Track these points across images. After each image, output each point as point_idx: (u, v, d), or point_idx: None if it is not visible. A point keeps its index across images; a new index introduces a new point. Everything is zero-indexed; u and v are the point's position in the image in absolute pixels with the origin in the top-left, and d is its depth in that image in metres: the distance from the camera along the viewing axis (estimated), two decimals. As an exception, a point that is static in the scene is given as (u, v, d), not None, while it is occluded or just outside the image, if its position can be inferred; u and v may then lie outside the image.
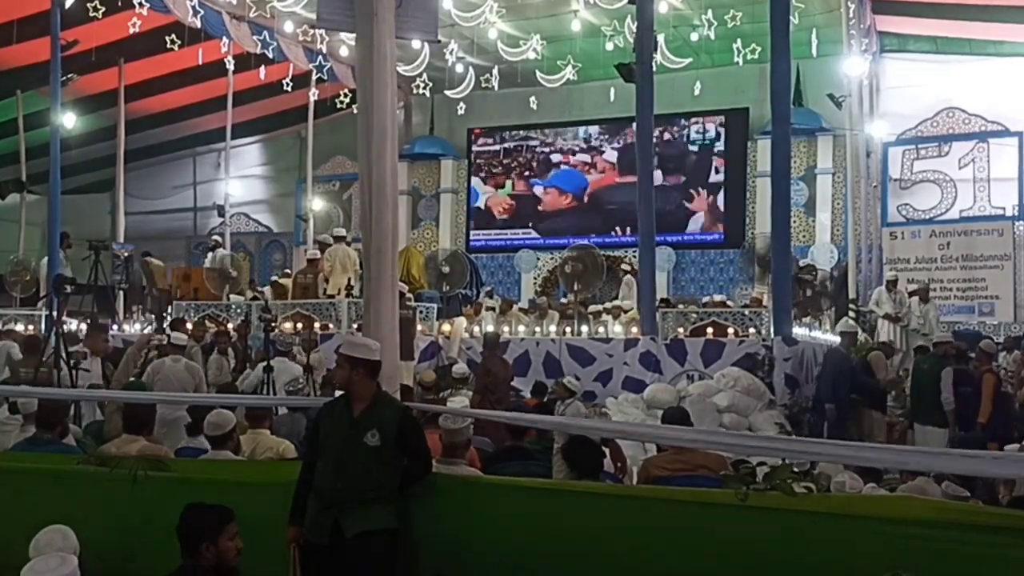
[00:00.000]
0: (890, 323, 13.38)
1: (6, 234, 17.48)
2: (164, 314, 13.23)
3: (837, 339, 12.95)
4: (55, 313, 7.99)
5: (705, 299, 14.74)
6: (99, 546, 3.83)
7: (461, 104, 18.60)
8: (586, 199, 19.59)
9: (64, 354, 7.40)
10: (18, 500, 4.74)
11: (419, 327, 11.91)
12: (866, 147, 16.19)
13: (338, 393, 4.33)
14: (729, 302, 13.86)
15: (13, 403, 6.11)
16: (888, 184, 16.99)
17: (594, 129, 19.69)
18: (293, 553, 4.05)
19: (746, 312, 11.59)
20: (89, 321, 10.07)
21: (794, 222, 14.77)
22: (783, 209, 10.76)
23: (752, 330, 11.06)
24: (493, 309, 14.19)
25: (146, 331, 9.30)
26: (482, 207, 20.32)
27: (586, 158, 19.71)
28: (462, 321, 13.01)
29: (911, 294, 13.97)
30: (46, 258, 14.71)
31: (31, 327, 13.28)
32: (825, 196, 17.84)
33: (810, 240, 17.66)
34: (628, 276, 15.82)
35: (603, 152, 19.57)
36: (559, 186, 19.82)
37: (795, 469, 3.82)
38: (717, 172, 18.62)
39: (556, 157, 19.93)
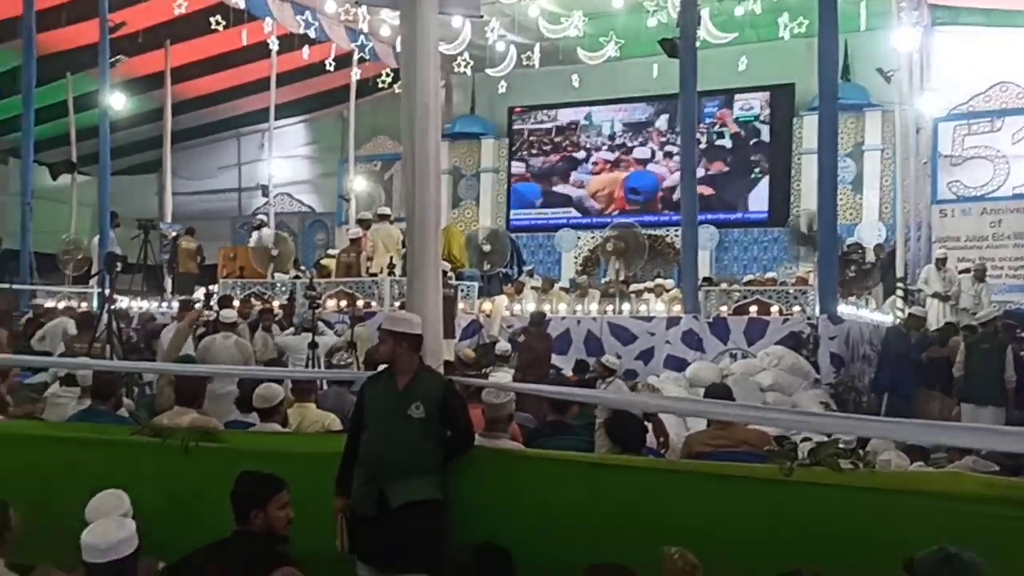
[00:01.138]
0: (939, 302, 13.17)
1: (58, 214, 17.82)
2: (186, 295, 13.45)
3: (885, 318, 12.82)
4: (107, 290, 8.15)
5: (749, 277, 14.60)
6: (152, 514, 3.91)
7: (502, 82, 18.55)
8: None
9: (116, 329, 7.57)
10: (75, 469, 4.87)
11: (460, 306, 11.98)
12: (916, 123, 15.87)
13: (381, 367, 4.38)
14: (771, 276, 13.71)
15: (68, 376, 6.28)
16: (938, 160, 16.62)
17: (619, 127, 19.54)
18: (340, 523, 4.12)
19: (791, 290, 11.47)
20: (180, 300, 10.23)
21: (841, 200, 14.56)
22: (829, 186, 10.63)
23: (797, 308, 10.95)
24: (536, 288, 14.20)
25: (196, 307, 9.45)
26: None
27: (610, 156, 19.61)
28: (503, 300, 13.05)
29: (962, 272, 13.73)
30: (97, 237, 15.02)
31: (84, 304, 13.59)
32: (873, 173, 17.51)
33: (857, 218, 17.38)
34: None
35: (631, 151, 19.43)
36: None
37: (841, 445, 3.79)
38: (762, 149, 18.39)
39: (581, 155, 19.85)
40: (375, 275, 12.42)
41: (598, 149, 19.68)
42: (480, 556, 3.59)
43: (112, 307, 7.74)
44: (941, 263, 13.68)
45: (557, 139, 20.08)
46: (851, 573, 3.39)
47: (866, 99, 17.05)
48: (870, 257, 14.66)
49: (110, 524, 3.09)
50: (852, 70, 16.91)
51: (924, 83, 16.38)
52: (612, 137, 19.64)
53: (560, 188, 19.99)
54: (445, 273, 10.12)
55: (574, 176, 19.88)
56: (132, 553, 3.05)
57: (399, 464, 4.04)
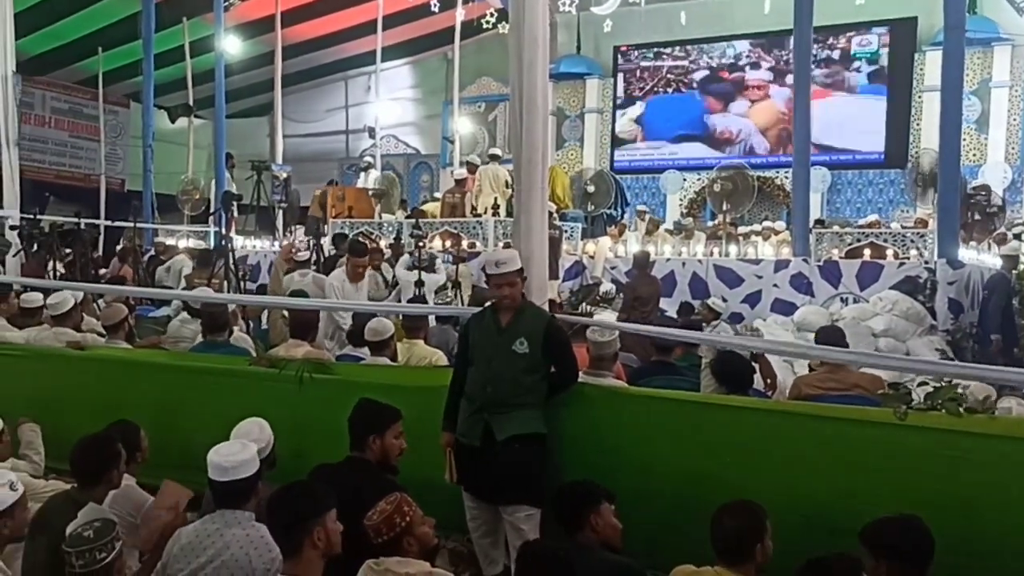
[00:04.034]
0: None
1: (176, 156, 18.47)
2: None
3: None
4: (223, 229, 8.43)
5: (862, 221, 14.10)
6: (269, 440, 4.10)
7: (607, 21, 18.14)
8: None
9: (233, 265, 7.85)
10: (197, 397, 5.14)
11: (564, 247, 11.95)
12: (1050, 57, 14.91)
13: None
14: (893, 223, 13.16)
15: (190, 310, 6.58)
16: (1072, 98, 15.63)
17: (744, 46, 18.92)
18: (449, 456, 4.22)
19: (907, 234, 11.02)
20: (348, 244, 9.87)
21: (964, 140, 13.81)
22: (953, 124, 10.10)
23: (914, 252, 10.53)
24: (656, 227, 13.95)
25: (286, 243, 9.57)
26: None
27: (739, 75, 18.99)
28: (606, 241, 12.96)
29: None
30: (213, 178, 15.53)
31: (201, 242, 14.12)
32: (1000, 111, 16.52)
33: (981, 159, 16.50)
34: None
35: (758, 68, 18.80)
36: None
37: (960, 391, 3.67)
38: (880, 87, 17.58)
39: (701, 75, 19.33)
40: (479, 215, 12.50)
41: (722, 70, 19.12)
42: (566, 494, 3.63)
43: (229, 244, 8.01)
44: (1072, 206, 12.92)
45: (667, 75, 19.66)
46: (967, 519, 3.31)
47: (995, 32, 16.04)
48: (996, 200, 13.92)
49: (235, 445, 3.25)
50: (979, 2, 15.93)
51: (1061, 14, 15.32)
52: (737, 58, 18.99)
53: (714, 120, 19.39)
54: (550, 214, 10.09)
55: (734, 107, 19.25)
56: (253, 474, 3.19)
57: (504, 398, 4.10)
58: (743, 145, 18.76)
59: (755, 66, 18.80)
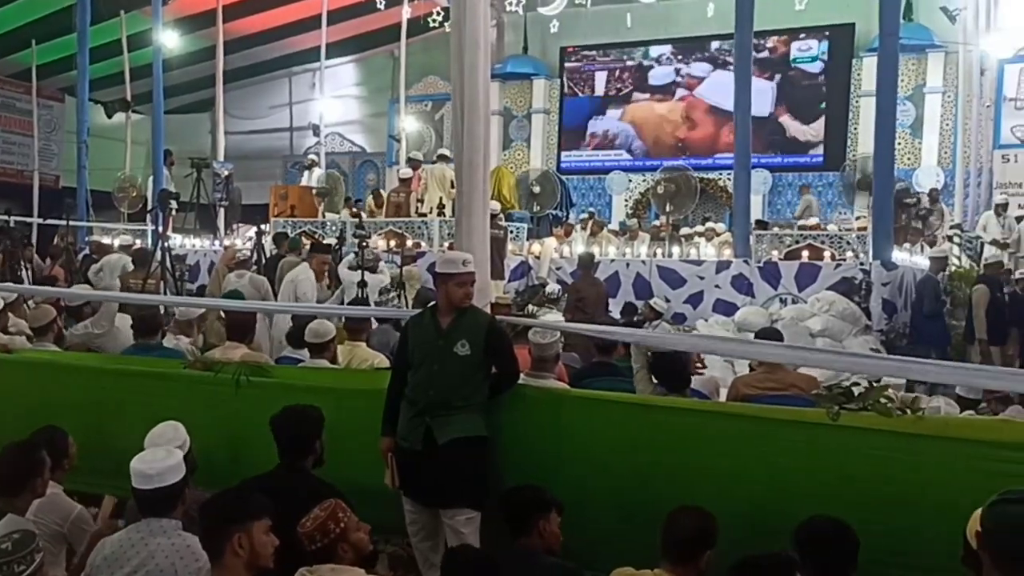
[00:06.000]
0: (998, 249, 12.84)
1: (113, 152, 18.05)
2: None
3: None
4: (160, 228, 8.25)
5: (799, 223, 14.38)
6: (205, 445, 4.01)
7: (554, 22, 18.21)
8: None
9: (170, 266, 7.69)
10: (130, 401, 5.01)
11: (510, 247, 11.96)
12: (980, 64, 15.31)
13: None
14: (831, 225, 13.44)
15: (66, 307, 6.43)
16: (1002, 103, 16.06)
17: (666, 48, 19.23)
18: (391, 461, 4.17)
19: (844, 236, 11.27)
20: (311, 242, 9.62)
21: (899, 144, 14.15)
22: (887, 129, 10.36)
23: (850, 254, 10.76)
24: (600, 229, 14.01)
25: (227, 243, 9.39)
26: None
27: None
28: (552, 241, 13.00)
29: (1023, 219, 13.37)
30: (151, 176, 15.21)
31: (138, 241, 13.83)
32: (933, 116, 16.98)
33: (915, 163, 16.92)
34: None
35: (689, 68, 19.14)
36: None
37: (890, 392, 3.74)
38: (819, 91, 17.94)
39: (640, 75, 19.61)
40: (424, 215, 12.44)
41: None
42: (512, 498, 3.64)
43: (166, 244, 7.84)
44: (1001, 209, 13.31)
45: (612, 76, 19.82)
46: (896, 519, 3.37)
47: (929, 39, 16.47)
48: (924, 202, 14.31)
49: (159, 452, 3.16)
50: (915, 9, 16.33)
51: (990, 23, 15.75)
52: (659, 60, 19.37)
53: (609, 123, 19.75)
54: (495, 214, 10.08)
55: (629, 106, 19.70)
56: (179, 481, 3.10)
57: (445, 401, 4.06)
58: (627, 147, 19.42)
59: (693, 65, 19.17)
